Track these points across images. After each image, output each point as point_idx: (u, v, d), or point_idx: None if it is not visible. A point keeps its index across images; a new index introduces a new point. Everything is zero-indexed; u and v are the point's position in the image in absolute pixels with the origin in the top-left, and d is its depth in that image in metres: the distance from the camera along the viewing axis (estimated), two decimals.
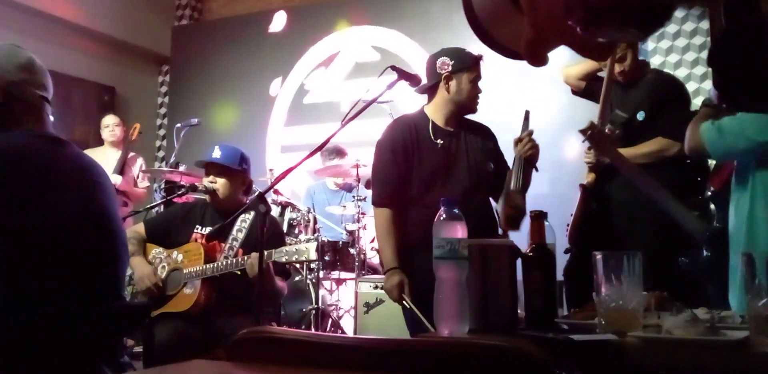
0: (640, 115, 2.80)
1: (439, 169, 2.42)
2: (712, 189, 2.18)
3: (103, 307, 1.60)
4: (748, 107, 1.79)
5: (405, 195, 2.42)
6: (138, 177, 5.09)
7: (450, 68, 2.43)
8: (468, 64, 2.44)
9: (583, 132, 2.58)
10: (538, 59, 0.57)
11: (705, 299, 2.09)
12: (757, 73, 0.99)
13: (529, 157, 2.35)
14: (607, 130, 2.69)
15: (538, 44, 0.56)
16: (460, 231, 1.27)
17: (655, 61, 4.57)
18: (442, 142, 2.44)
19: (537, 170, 2.42)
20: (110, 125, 5.09)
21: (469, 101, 2.46)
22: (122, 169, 4.92)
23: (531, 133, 2.36)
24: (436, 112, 2.50)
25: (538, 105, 4.28)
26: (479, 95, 2.49)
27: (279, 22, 5.96)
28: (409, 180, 2.42)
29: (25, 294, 1.48)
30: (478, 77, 2.47)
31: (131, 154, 5.06)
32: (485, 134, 2.56)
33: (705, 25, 4.60)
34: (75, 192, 1.61)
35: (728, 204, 2.03)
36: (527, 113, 2.41)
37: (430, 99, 2.53)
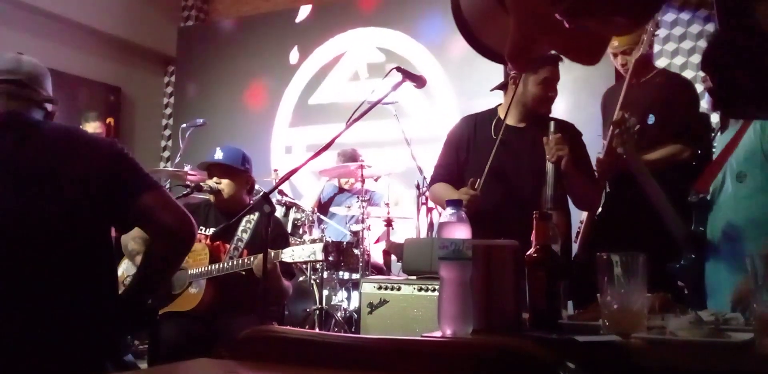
0: (650, 119, 2.76)
1: (495, 164, 2.38)
2: (694, 194, 2.11)
3: (109, 306, 1.60)
4: (745, 115, 1.69)
5: (460, 185, 2.41)
6: None
7: None
8: (535, 65, 2.36)
9: (616, 123, 2.50)
10: (522, 62, 0.54)
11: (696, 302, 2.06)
12: (758, 79, 0.95)
13: (557, 161, 2.30)
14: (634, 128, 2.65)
15: (522, 45, 0.53)
16: (464, 232, 1.27)
17: (660, 64, 4.55)
18: (502, 138, 2.40)
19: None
20: None
21: (535, 104, 2.42)
22: None
23: (557, 137, 2.31)
24: (505, 109, 2.47)
25: None
26: (551, 97, 2.42)
27: (286, 21, 5.98)
28: (465, 170, 2.44)
29: (17, 294, 1.48)
30: (548, 79, 2.40)
31: None
32: (565, 132, 2.43)
33: (711, 27, 4.59)
34: (10, 188, 1.52)
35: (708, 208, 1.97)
36: (551, 123, 2.37)
37: (504, 95, 2.51)
